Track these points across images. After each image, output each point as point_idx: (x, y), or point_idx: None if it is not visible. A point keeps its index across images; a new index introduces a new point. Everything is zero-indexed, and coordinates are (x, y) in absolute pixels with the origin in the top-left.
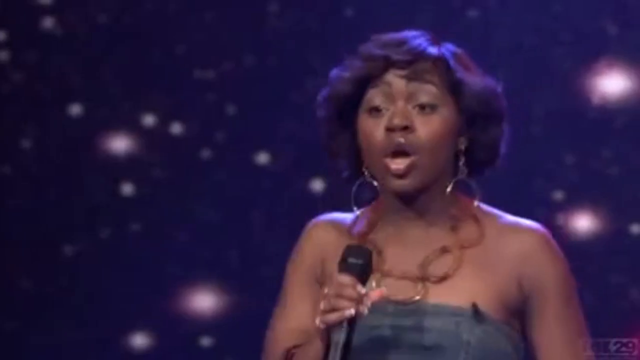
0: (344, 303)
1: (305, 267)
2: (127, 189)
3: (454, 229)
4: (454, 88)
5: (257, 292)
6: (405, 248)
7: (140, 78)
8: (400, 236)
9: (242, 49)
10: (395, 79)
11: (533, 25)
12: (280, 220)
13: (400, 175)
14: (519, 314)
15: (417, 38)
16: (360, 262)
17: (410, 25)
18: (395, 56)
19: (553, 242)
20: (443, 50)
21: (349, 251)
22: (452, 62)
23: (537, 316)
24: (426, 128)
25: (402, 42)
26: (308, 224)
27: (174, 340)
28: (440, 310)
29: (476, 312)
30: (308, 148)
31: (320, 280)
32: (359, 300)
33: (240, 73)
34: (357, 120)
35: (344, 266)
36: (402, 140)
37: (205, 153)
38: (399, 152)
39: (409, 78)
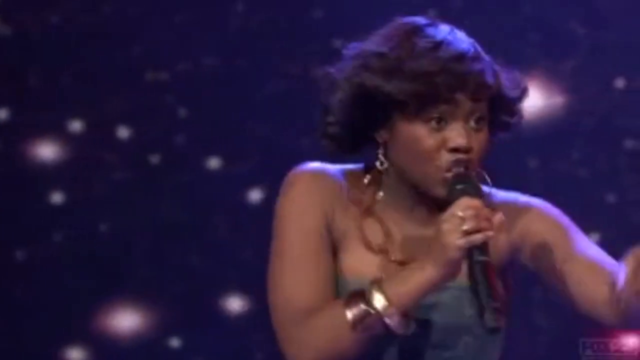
0: (484, 224)
1: (320, 216)
2: (57, 197)
3: None
4: (497, 104)
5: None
6: (411, 230)
7: (84, 81)
8: (407, 218)
9: (202, 49)
10: (462, 99)
11: (500, 25)
12: (244, 226)
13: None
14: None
15: (473, 50)
16: (477, 186)
17: (377, 27)
18: (471, 79)
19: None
20: (497, 70)
21: (460, 178)
22: (503, 79)
23: (556, 250)
24: (479, 146)
25: (470, 60)
26: (299, 172)
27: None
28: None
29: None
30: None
31: (331, 229)
32: (491, 220)
33: (198, 74)
34: (392, 121)
35: (462, 190)
36: (465, 157)
37: (154, 158)
38: (461, 162)
39: (473, 99)
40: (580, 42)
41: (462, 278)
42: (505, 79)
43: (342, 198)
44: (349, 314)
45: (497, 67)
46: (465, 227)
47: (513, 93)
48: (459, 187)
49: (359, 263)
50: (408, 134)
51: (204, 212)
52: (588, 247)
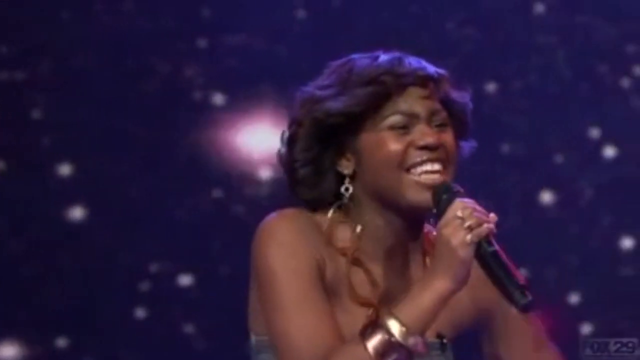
0: (484, 217)
1: (310, 259)
2: None
3: (424, 263)
4: (448, 108)
5: None
6: (392, 273)
7: None
8: (388, 267)
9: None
10: (416, 99)
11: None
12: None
13: (435, 171)
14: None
15: (407, 56)
16: (460, 191)
17: (265, 27)
18: (417, 73)
19: None
20: (441, 72)
21: (442, 189)
22: (449, 82)
23: (504, 332)
24: (447, 142)
25: (409, 61)
26: (279, 218)
27: None
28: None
29: (442, 344)
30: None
31: (322, 276)
32: (487, 214)
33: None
34: (351, 144)
35: (450, 197)
36: (435, 155)
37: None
38: (433, 160)
39: (426, 97)
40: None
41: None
42: (451, 85)
43: (327, 245)
44: (370, 346)
45: (441, 71)
46: (468, 224)
47: (461, 98)
48: (444, 196)
49: (352, 320)
50: (374, 144)
51: None
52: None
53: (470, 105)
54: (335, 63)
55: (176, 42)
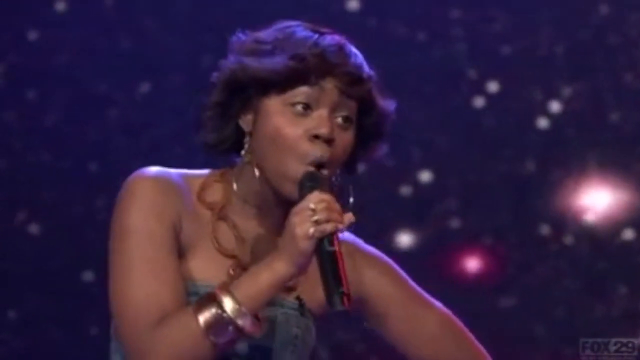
0: (335, 215)
1: (169, 226)
2: None
3: None
4: (366, 108)
5: None
6: (263, 236)
7: None
8: (257, 225)
9: None
10: (330, 86)
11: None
12: None
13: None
14: None
15: (352, 48)
16: (329, 185)
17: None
18: (344, 68)
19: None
20: (372, 72)
21: (312, 176)
22: (375, 86)
23: (402, 309)
24: (342, 144)
25: (346, 53)
26: (140, 177)
27: None
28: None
29: (300, 306)
30: None
31: (178, 235)
32: (341, 214)
33: None
34: (255, 103)
35: (312, 187)
36: (326, 155)
37: None
38: (316, 164)
39: (342, 90)
40: None
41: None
42: (379, 91)
43: (189, 202)
44: (201, 320)
45: (374, 77)
46: (316, 218)
47: (384, 104)
48: (309, 184)
49: (210, 267)
50: (271, 118)
51: None
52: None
53: (393, 116)
54: (286, 22)
55: None
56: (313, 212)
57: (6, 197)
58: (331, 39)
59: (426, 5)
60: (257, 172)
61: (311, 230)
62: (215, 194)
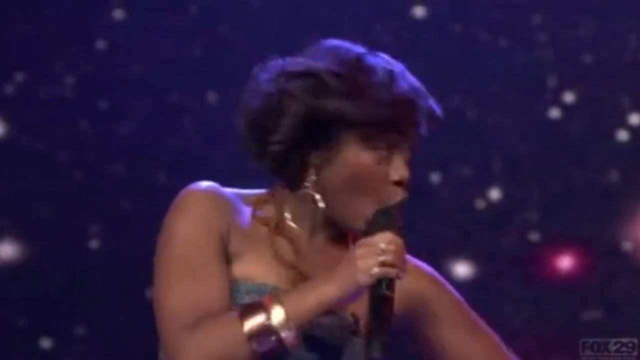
0: (401, 262)
1: (216, 235)
2: None
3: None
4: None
5: None
6: (315, 253)
7: None
8: (311, 240)
9: None
10: (412, 131)
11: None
12: None
13: None
14: None
15: (422, 86)
16: (401, 226)
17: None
18: (428, 114)
19: None
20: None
21: (386, 213)
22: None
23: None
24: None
25: (424, 95)
26: (193, 190)
27: None
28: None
29: (355, 323)
30: None
31: (227, 245)
32: (405, 262)
33: None
34: (334, 141)
35: (386, 224)
36: (405, 199)
37: None
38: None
39: (419, 133)
40: None
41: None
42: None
43: (243, 217)
44: (247, 326)
45: (440, 111)
46: (383, 258)
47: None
48: (381, 222)
49: (269, 271)
50: (353, 159)
51: None
52: (482, 326)
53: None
54: (337, 48)
55: None
56: (382, 252)
57: (80, 208)
58: (408, 81)
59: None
60: (321, 205)
61: (376, 269)
62: (268, 212)
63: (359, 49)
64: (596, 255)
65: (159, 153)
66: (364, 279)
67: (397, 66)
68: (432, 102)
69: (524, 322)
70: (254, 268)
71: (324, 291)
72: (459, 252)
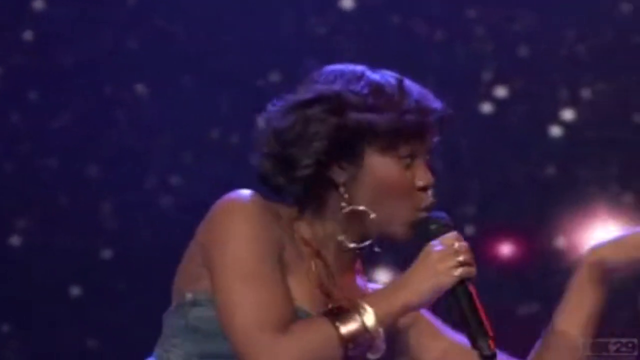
0: (473, 260)
1: (273, 245)
2: None
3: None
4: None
5: None
6: (342, 279)
7: None
8: (340, 263)
9: None
10: (429, 137)
11: None
12: None
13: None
14: None
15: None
16: (449, 228)
17: None
18: (439, 119)
19: None
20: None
21: (430, 220)
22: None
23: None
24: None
25: (434, 100)
26: (241, 198)
27: None
28: None
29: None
30: None
31: (280, 258)
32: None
33: None
34: (359, 156)
35: (441, 227)
36: (433, 200)
37: None
38: (428, 209)
39: (433, 135)
40: None
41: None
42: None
43: (285, 231)
44: (344, 330)
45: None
46: (461, 258)
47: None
48: (433, 226)
49: (305, 293)
50: (380, 171)
51: None
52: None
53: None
54: (341, 70)
55: None
56: (457, 252)
57: (7, 203)
58: (416, 87)
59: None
60: (372, 215)
61: (459, 270)
62: (306, 230)
63: (360, 67)
64: (532, 250)
65: (91, 146)
66: (446, 280)
67: (395, 75)
68: (442, 104)
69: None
70: (294, 289)
71: (406, 296)
72: (394, 245)
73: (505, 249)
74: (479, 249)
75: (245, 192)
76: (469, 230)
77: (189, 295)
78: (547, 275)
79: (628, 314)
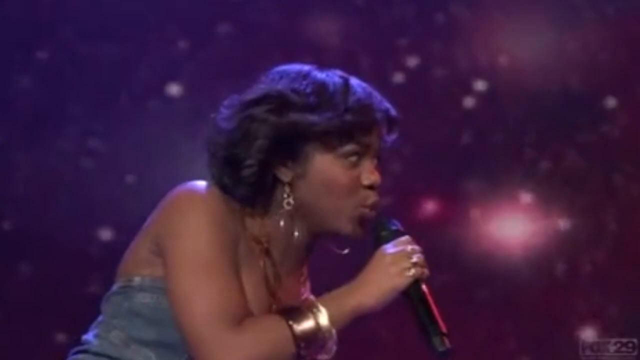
0: (425, 262)
1: (229, 239)
2: None
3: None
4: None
5: None
6: (288, 280)
7: None
8: (286, 263)
9: None
10: (375, 136)
11: None
12: None
13: (365, 225)
14: None
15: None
16: (401, 230)
17: None
18: (386, 118)
19: None
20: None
21: (381, 225)
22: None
23: None
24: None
25: (381, 100)
26: (197, 190)
27: None
28: None
29: None
30: None
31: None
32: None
33: None
34: (303, 156)
35: (392, 234)
36: (378, 199)
37: None
38: (373, 207)
39: (383, 138)
40: None
41: None
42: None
43: (239, 226)
44: (298, 329)
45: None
46: (415, 260)
47: (391, 139)
48: (384, 233)
49: (253, 293)
50: (324, 170)
51: None
52: None
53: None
54: (288, 70)
55: None
56: (410, 254)
57: None
58: (362, 87)
59: None
60: (317, 211)
61: (412, 271)
62: (255, 227)
63: (307, 66)
64: (447, 218)
65: None
66: (401, 282)
67: (342, 76)
68: (388, 104)
69: None
70: (245, 287)
71: (361, 298)
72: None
73: (421, 217)
74: (395, 217)
75: (202, 184)
76: (386, 200)
77: (136, 279)
78: (459, 244)
79: (628, 314)
